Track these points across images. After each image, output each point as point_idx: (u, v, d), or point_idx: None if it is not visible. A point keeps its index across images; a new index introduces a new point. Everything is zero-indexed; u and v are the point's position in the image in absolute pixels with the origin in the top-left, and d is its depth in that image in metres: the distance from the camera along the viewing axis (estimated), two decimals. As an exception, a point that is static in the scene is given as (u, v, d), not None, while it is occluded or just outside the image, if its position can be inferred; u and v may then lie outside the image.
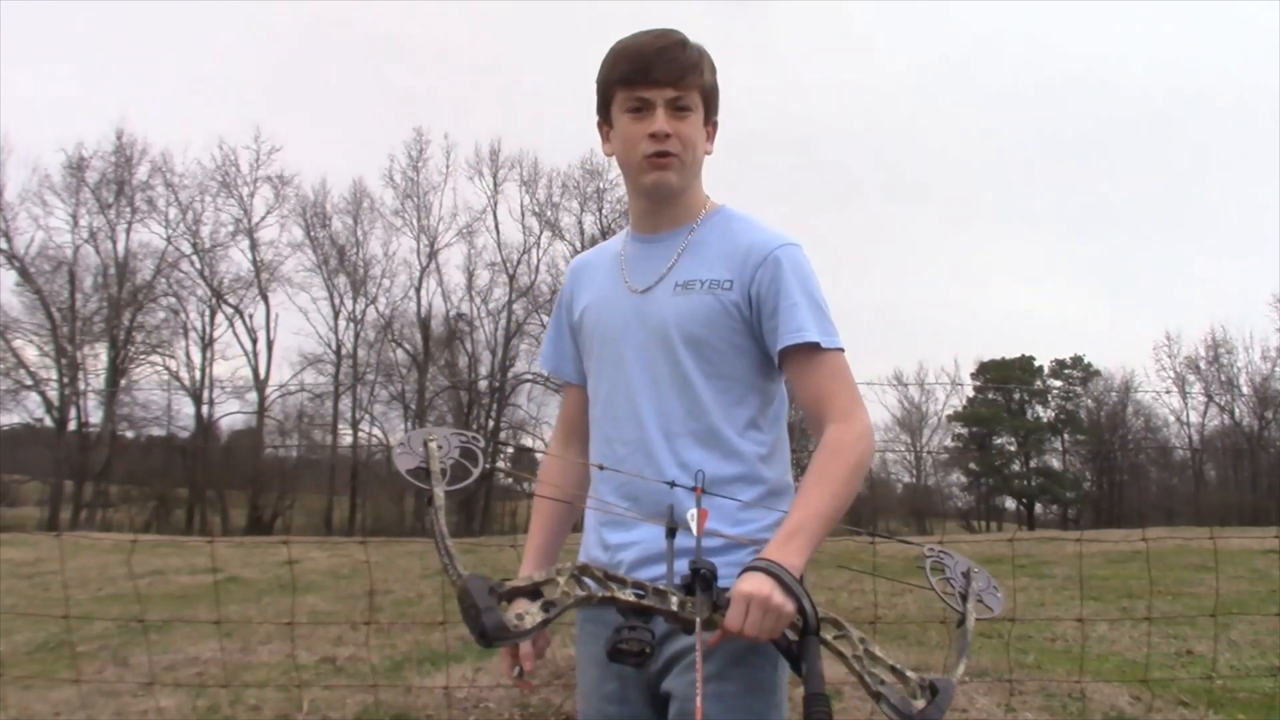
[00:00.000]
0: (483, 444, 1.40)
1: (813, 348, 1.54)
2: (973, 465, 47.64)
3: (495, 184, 39.85)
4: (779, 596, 1.30)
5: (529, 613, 1.18)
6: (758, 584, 1.31)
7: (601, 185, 39.53)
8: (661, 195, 1.64)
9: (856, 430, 1.50)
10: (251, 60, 61.25)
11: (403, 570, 10.39)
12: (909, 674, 1.31)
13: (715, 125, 1.68)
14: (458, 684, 4.86)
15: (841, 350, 1.57)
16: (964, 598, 1.48)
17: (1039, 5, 68.01)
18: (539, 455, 1.81)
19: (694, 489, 1.46)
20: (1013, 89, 67.03)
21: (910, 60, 69.20)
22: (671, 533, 1.40)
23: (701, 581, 1.30)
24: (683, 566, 1.33)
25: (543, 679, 4.87)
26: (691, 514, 1.41)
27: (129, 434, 37.86)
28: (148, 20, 57.45)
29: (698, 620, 1.27)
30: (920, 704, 1.28)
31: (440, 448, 1.35)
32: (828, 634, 1.33)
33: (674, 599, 1.29)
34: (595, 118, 1.68)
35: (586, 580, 1.25)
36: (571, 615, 1.72)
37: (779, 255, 1.58)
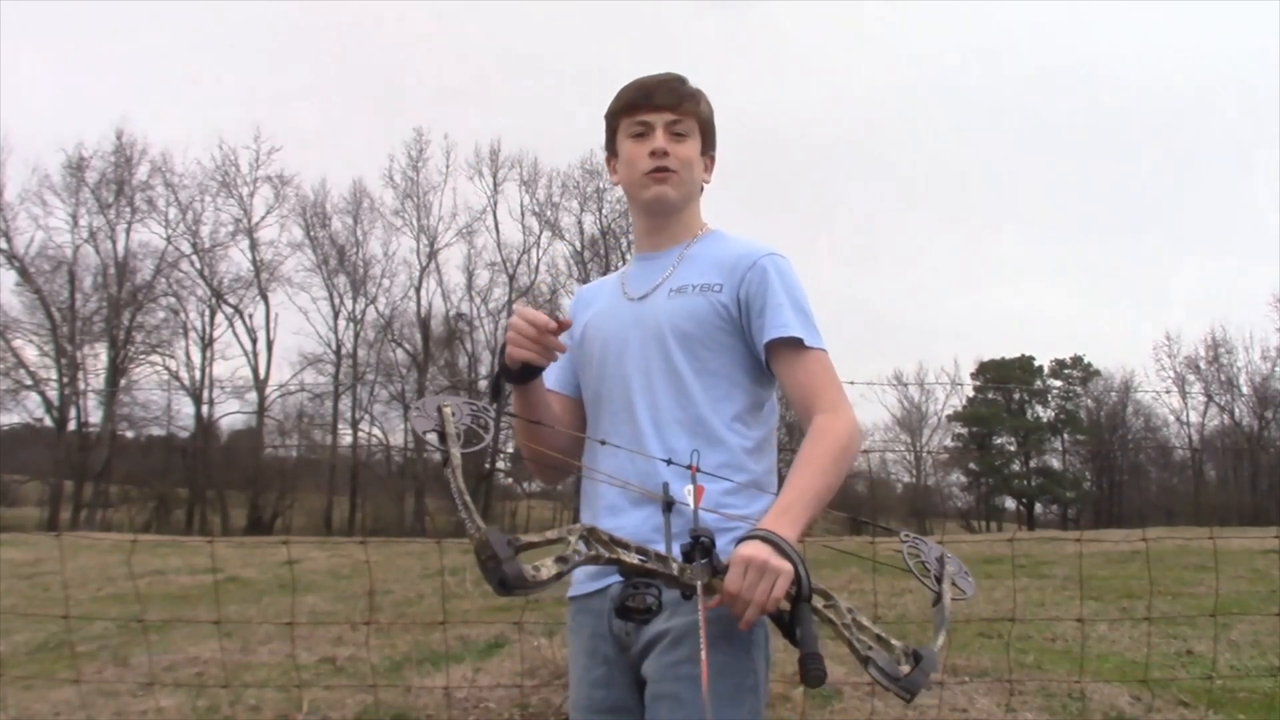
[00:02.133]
0: (492, 414, 1.48)
1: (797, 344, 1.64)
2: (973, 465, 47.64)
3: (495, 184, 39.97)
4: (776, 560, 1.36)
5: (544, 565, 1.23)
6: (755, 549, 1.37)
7: (601, 185, 39.56)
8: (661, 210, 1.78)
9: (842, 419, 1.59)
10: (252, 60, 61.30)
11: (403, 570, 10.40)
12: (894, 642, 1.37)
13: (713, 158, 1.84)
14: (458, 684, 4.86)
15: (826, 351, 1.67)
16: (939, 579, 1.58)
17: (1040, 5, 68.07)
18: (532, 420, 1.81)
19: (689, 467, 1.55)
20: (1013, 88, 67.14)
21: (910, 61, 69.25)
22: (668, 507, 1.47)
23: (701, 549, 1.36)
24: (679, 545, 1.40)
25: (542, 679, 4.87)
26: (688, 489, 1.50)
27: (129, 434, 37.93)
28: (148, 20, 57.52)
29: (698, 584, 1.33)
30: (906, 669, 1.34)
31: (454, 414, 1.42)
32: (818, 603, 1.39)
33: (674, 565, 1.35)
34: (604, 152, 1.85)
35: (594, 542, 1.31)
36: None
37: (765, 263, 1.69)
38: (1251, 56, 65.84)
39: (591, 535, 1.30)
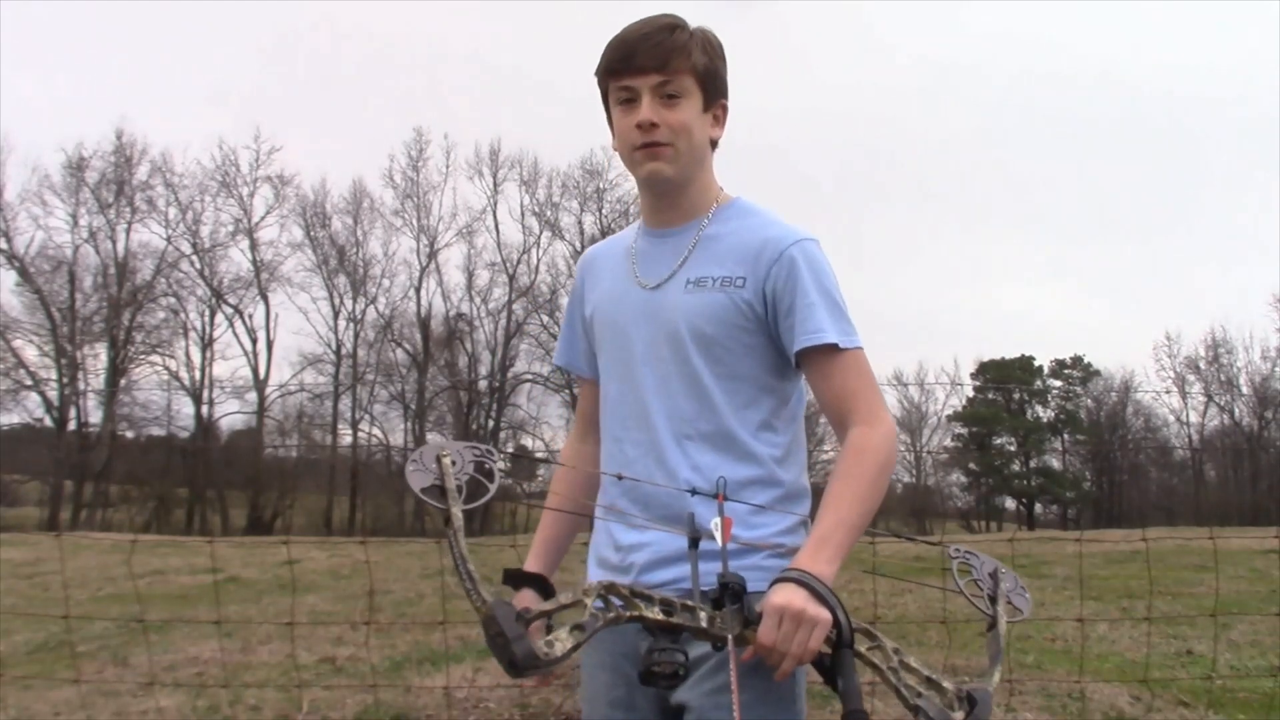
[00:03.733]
0: (497, 457, 1.34)
1: (831, 348, 1.49)
2: (973, 465, 47.63)
3: (495, 184, 39.95)
4: (813, 608, 1.26)
5: (558, 638, 1.14)
6: (790, 595, 1.27)
7: (601, 185, 39.61)
8: (659, 187, 1.59)
9: (881, 431, 1.46)
10: (252, 60, 61.30)
11: (403, 570, 10.38)
12: (945, 684, 1.27)
13: (724, 109, 1.61)
14: (458, 684, 4.86)
15: (861, 349, 1.52)
16: (993, 600, 1.44)
17: (1041, 6, 68.07)
18: (538, 456, 1.78)
19: (715, 496, 1.40)
20: (1013, 89, 67.08)
21: (911, 61, 69.19)
22: (694, 543, 1.34)
23: (731, 595, 1.26)
24: (706, 576, 1.30)
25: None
26: (715, 523, 1.36)
27: (129, 434, 37.90)
28: (148, 20, 57.47)
29: (729, 637, 1.23)
30: (959, 715, 1.24)
31: (454, 463, 1.29)
32: (861, 645, 1.29)
33: (703, 614, 1.23)
34: (605, 116, 1.64)
35: (613, 599, 1.21)
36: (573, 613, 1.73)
37: (794, 252, 1.52)
38: (1253, 57, 65.87)
39: (610, 591, 1.20)
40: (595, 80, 1.60)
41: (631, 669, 1.50)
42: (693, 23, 1.57)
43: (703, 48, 1.55)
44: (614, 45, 1.55)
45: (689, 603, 1.24)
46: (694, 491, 1.44)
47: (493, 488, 1.30)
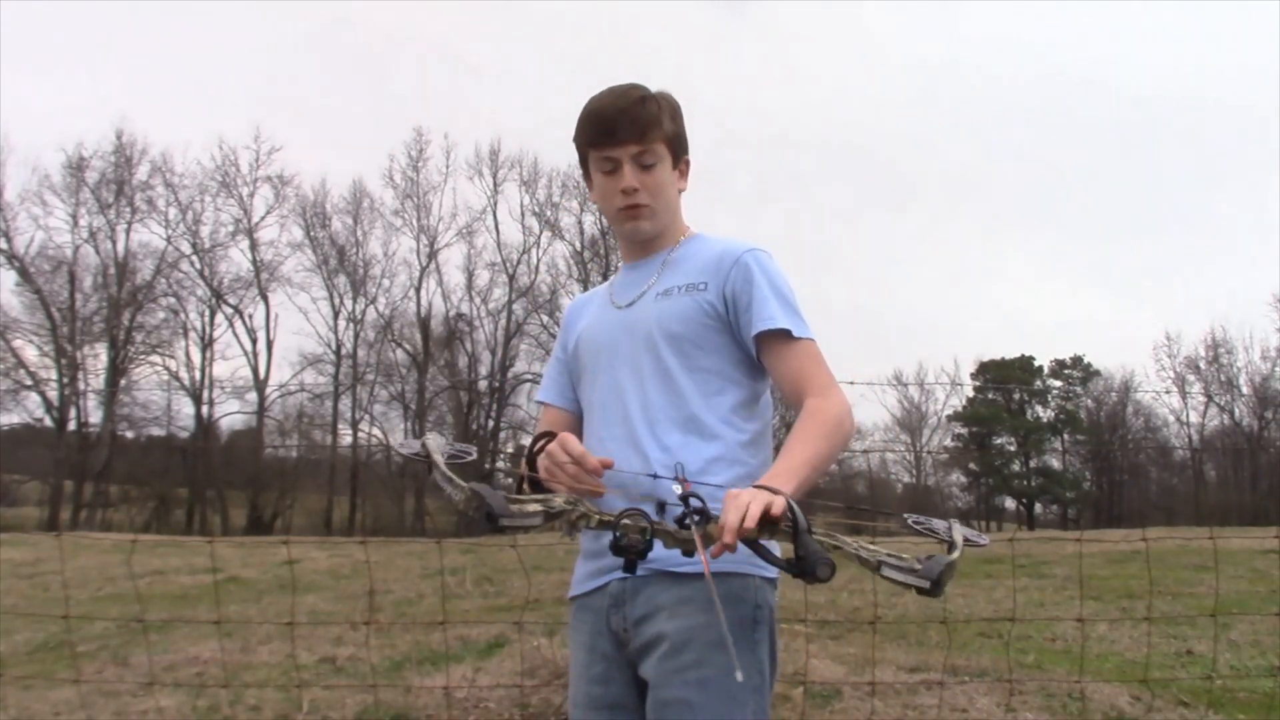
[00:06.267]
0: (474, 453, 1.54)
1: (785, 334, 1.65)
2: (973, 465, 47.62)
3: (495, 184, 39.97)
4: (767, 495, 1.35)
5: (531, 506, 1.32)
6: (745, 489, 1.38)
7: (601, 185, 39.59)
8: (638, 238, 1.82)
9: (833, 400, 1.60)
10: (251, 60, 61.30)
11: (403, 570, 10.39)
12: (905, 555, 1.38)
13: (687, 163, 1.85)
14: (458, 684, 4.86)
15: (814, 340, 1.68)
16: (949, 541, 1.55)
17: (1041, 6, 68.08)
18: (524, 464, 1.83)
19: (676, 479, 1.53)
20: (1013, 89, 67.12)
21: (911, 60, 69.19)
22: (661, 507, 1.49)
23: (696, 513, 1.37)
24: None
25: (542, 679, 4.87)
26: (674, 488, 1.50)
27: (129, 434, 37.93)
28: (148, 20, 57.50)
29: (696, 536, 1.33)
30: (919, 565, 1.34)
31: (436, 446, 1.50)
32: (822, 538, 1.39)
33: (669, 527, 1.39)
34: (583, 173, 1.85)
35: (581, 506, 1.37)
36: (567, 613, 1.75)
37: (748, 259, 1.71)
38: (1253, 58, 65.84)
39: (579, 504, 1.36)
40: (574, 145, 1.79)
41: (607, 646, 1.66)
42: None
43: (670, 115, 1.76)
44: (594, 120, 1.73)
45: (657, 522, 1.40)
46: (655, 476, 1.58)
47: (472, 453, 1.52)
